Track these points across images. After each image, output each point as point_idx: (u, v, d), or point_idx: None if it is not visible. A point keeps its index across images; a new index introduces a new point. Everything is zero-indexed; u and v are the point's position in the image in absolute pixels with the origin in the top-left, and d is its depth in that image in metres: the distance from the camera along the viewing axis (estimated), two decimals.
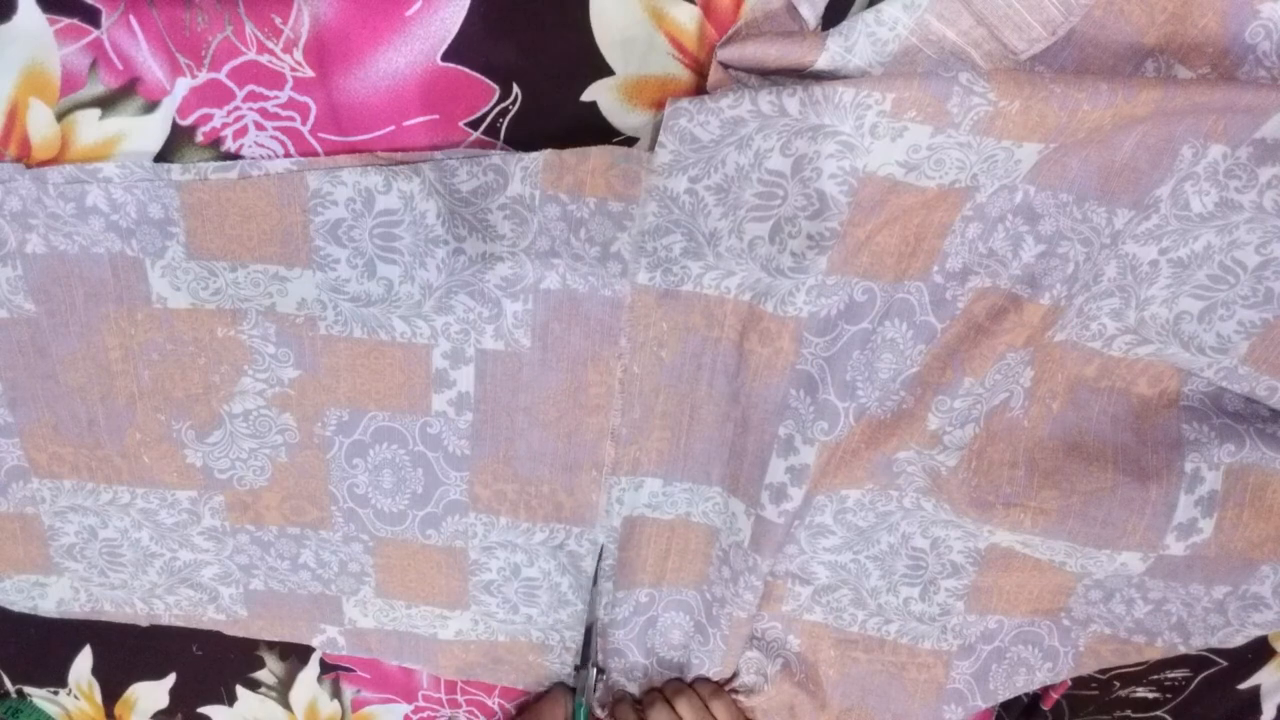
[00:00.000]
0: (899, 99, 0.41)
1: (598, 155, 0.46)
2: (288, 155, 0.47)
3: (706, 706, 0.58)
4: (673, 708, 0.58)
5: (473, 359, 0.51)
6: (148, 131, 0.47)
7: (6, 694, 0.67)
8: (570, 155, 0.46)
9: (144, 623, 0.62)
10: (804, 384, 0.50)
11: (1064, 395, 0.53)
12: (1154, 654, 0.58)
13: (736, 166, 0.45)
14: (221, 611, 0.61)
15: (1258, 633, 0.56)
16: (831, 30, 0.42)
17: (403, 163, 0.47)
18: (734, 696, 0.60)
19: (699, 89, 0.46)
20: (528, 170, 0.46)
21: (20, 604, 0.61)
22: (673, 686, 0.60)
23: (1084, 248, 0.47)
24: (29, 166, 0.47)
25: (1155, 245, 0.48)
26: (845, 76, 0.43)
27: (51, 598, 0.61)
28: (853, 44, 0.42)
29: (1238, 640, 0.57)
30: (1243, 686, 0.63)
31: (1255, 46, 0.43)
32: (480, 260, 0.49)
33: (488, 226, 0.48)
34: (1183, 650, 0.58)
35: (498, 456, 0.54)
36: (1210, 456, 0.51)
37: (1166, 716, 0.65)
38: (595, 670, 0.59)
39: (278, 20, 0.44)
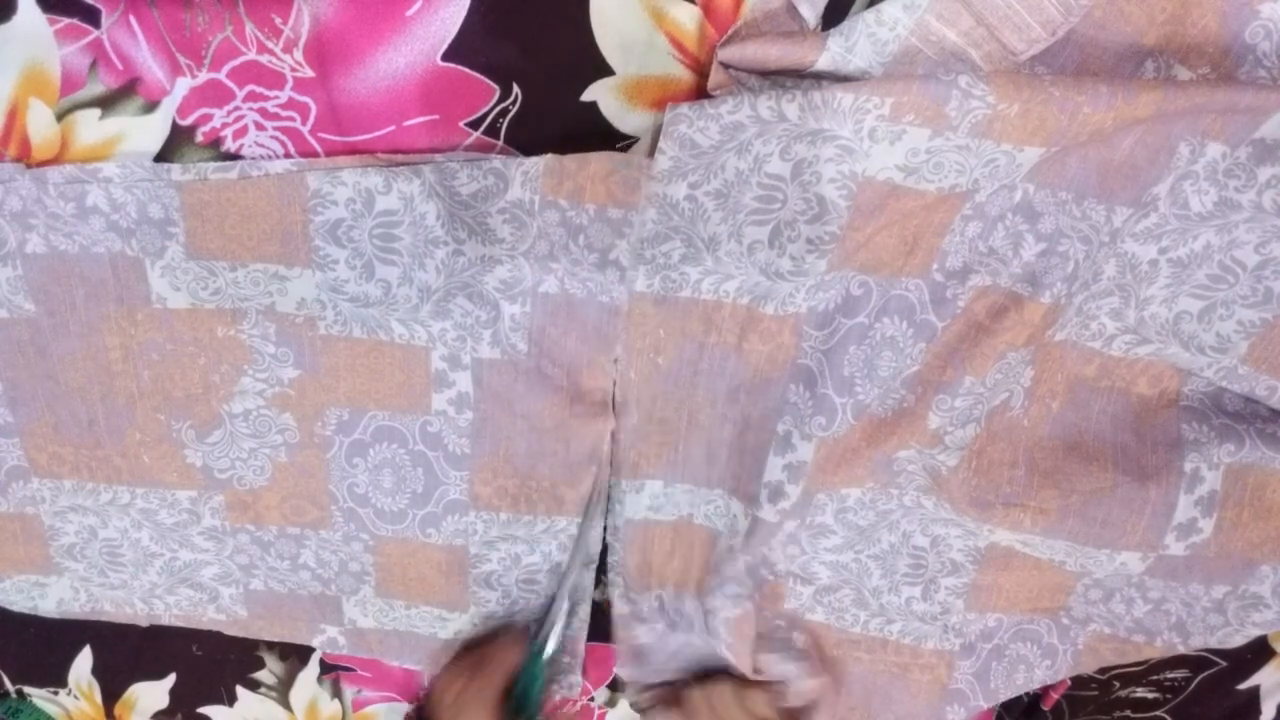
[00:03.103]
0: (898, 103, 0.41)
1: (598, 161, 0.46)
2: (288, 155, 0.47)
3: (740, 693, 0.57)
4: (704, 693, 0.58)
5: (469, 366, 0.52)
6: (148, 131, 0.47)
7: (6, 694, 0.67)
8: (570, 161, 0.46)
9: (144, 623, 0.62)
10: (803, 378, 0.50)
11: (1064, 395, 0.53)
12: (1153, 653, 0.58)
13: (736, 171, 0.45)
14: (221, 611, 0.61)
15: (1257, 632, 0.56)
16: (832, 30, 0.42)
17: (403, 164, 0.47)
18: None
19: (699, 89, 0.46)
20: (528, 175, 0.46)
21: (20, 604, 0.61)
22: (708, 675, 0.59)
23: (1084, 245, 0.47)
24: (29, 166, 0.47)
25: (1155, 244, 0.48)
26: (846, 77, 0.43)
27: (51, 598, 0.61)
28: (853, 44, 0.42)
29: (1237, 640, 0.56)
30: (1242, 686, 0.63)
31: (1255, 46, 0.43)
32: (479, 262, 0.49)
33: (487, 230, 0.48)
34: (1182, 650, 0.58)
35: (498, 454, 0.54)
36: (1210, 456, 0.51)
37: (1166, 716, 0.65)
38: (565, 616, 0.56)
39: (278, 20, 0.44)
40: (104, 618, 0.62)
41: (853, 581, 0.57)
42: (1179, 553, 0.52)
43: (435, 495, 0.55)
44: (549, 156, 0.46)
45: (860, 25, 0.42)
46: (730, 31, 0.44)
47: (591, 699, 0.65)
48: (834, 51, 0.42)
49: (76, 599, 0.61)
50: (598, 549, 0.58)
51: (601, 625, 0.62)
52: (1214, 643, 0.57)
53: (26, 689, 0.67)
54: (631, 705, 0.62)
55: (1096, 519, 0.52)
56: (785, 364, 0.50)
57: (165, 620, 0.62)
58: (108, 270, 0.50)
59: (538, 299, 0.50)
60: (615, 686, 0.65)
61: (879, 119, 0.41)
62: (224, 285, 0.50)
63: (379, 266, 0.49)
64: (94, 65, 0.45)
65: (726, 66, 0.44)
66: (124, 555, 0.59)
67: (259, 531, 0.58)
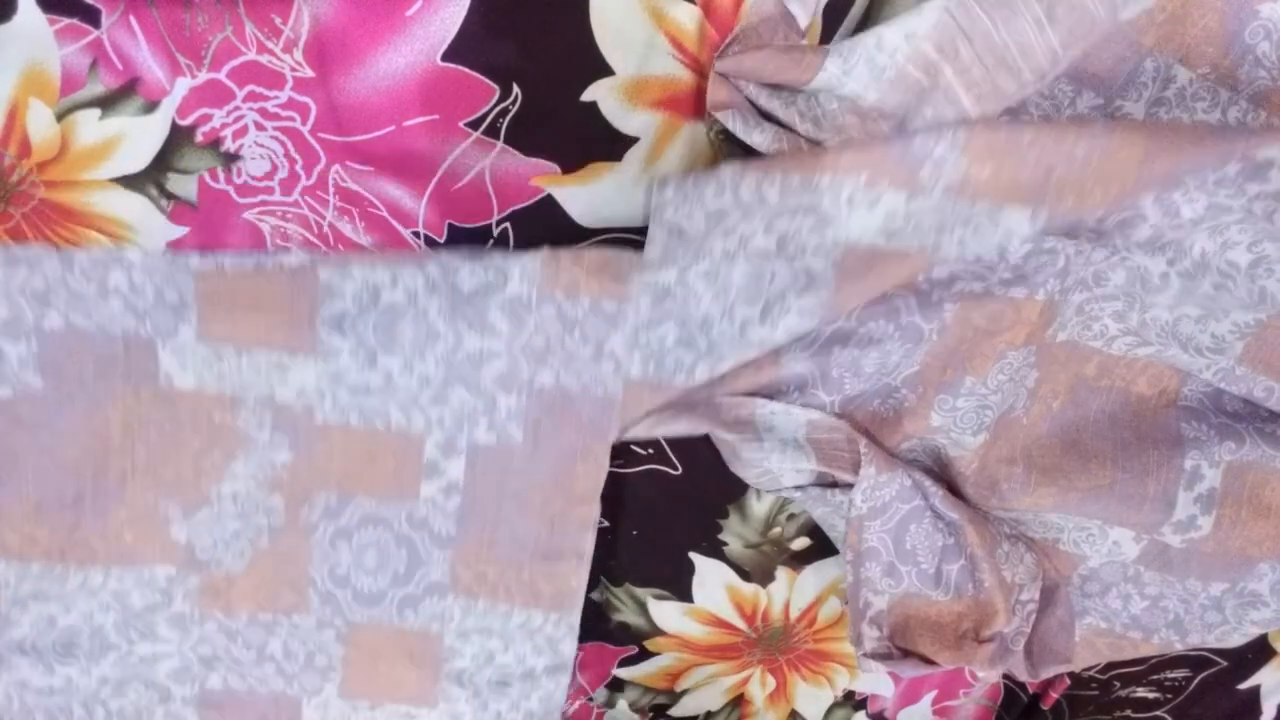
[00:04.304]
0: (873, 175, 0.42)
1: (592, 255, 0.47)
2: (288, 157, 0.47)
3: None
4: None
5: (464, 450, 0.52)
6: (148, 131, 0.47)
7: None
8: (566, 255, 0.47)
9: None
10: (794, 382, 0.51)
11: (1065, 395, 0.53)
12: (1149, 650, 0.58)
13: (723, 251, 0.46)
14: (170, 717, 0.57)
15: (1256, 631, 0.55)
16: (831, 49, 0.43)
17: (409, 259, 0.47)
18: None
19: (699, 89, 0.46)
20: (525, 269, 0.47)
21: None
22: None
23: (1071, 240, 0.47)
24: (29, 169, 0.47)
25: (1162, 256, 0.48)
26: (840, 95, 0.43)
27: None
28: (851, 67, 0.43)
29: (1235, 639, 0.56)
30: (1243, 686, 0.63)
31: (1255, 46, 0.43)
32: (477, 355, 0.49)
33: (486, 324, 0.48)
34: (1179, 648, 0.57)
35: (482, 539, 0.54)
36: (1211, 454, 0.51)
37: (1166, 716, 0.65)
38: None
39: (278, 20, 0.44)
40: None
41: None
42: (1175, 544, 0.52)
43: (417, 575, 0.54)
44: (545, 250, 0.47)
45: (860, 50, 0.42)
46: (727, 40, 0.44)
47: (590, 699, 0.65)
48: (830, 72, 0.43)
49: (9, 708, 0.57)
50: (571, 652, 0.56)
51: (600, 625, 0.62)
52: (1211, 641, 0.56)
53: None
54: None
55: (1095, 515, 0.52)
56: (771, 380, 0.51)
57: None
58: (120, 347, 0.49)
59: (533, 391, 0.50)
60: (614, 687, 0.65)
61: (855, 188, 0.42)
62: (228, 370, 0.50)
63: (381, 356, 0.49)
64: (94, 65, 0.45)
65: (724, 77, 0.44)
66: (80, 645, 0.55)
67: (228, 620, 0.55)
